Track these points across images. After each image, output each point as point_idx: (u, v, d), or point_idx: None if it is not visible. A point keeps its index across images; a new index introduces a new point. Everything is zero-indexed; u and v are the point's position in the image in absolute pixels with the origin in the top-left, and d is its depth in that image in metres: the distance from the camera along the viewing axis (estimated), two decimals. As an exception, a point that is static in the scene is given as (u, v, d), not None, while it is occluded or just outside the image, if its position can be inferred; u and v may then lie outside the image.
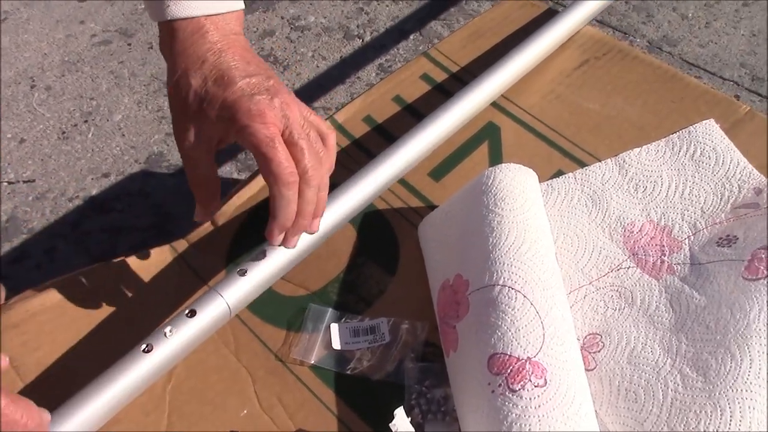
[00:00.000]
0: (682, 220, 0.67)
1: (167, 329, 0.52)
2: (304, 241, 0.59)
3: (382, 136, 0.76)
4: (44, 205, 1.31)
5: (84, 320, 0.62)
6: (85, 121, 1.46)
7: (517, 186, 0.62)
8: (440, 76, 0.82)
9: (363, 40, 1.65)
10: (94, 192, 1.32)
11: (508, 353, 0.51)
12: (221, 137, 0.55)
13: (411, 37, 1.62)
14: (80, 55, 1.61)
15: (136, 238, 1.18)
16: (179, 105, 0.55)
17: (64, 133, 1.44)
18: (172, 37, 0.55)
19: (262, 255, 0.57)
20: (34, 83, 1.54)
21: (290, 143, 0.52)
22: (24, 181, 1.35)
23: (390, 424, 0.51)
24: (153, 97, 1.52)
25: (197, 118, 0.54)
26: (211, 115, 0.53)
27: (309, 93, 1.54)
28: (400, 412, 0.52)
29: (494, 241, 0.58)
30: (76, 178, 1.35)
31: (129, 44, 1.64)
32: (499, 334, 0.53)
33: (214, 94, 0.53)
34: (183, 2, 0.54)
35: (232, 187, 0.73)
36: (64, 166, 1.38)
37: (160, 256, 0.67)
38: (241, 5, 0.58)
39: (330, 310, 0.63)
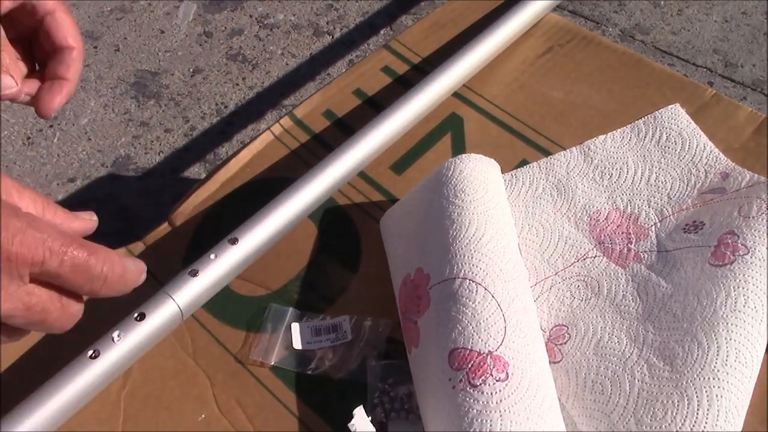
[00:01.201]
0: (649, 207, 0.66)
1: (115, 334, 0.50)
2: (259, 238, 0.57)
3: (343, 131, 0.74)
4: (8, 212, 1.28)
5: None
6: (51, 126, 1.43)
7: (477, 176, 0.60)
8: (402, 68, 0.80)
9: (333, 37, 1.63)
10: (60, 197, 1.29)
11: (469, 347, 0.50)
12: None
13: (381, 32, 1.61)
14: (45, 58, 1.58)
15: (102, 244, 1.15)
16: None
17: (29, 138, 1.41)
18: None
19: (214, 256, 0.55)
20: (-3, 88, 1.51)
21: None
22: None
23: (348, 424, 0.49)
24: (119, 100, 1.49)
25: None
26: None
27: (279, 91, 1.53)
28: (359, 412, 0.50)
29: (454, 233, 0.56)
30: (42, 184, 1.32)
31: (95, 47, 1.61)
32: (460, 328, 0.51)
33: None
34: None
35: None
36: (29, 172, 1.35)
37: (115, 260, 0.65)
38: None
39: (291, 309, 0.62)
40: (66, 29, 0.53)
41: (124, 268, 0.41)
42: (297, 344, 0.59)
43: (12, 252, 0.35)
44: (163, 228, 0.68)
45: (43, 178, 1.33)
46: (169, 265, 0.64)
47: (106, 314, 0.55)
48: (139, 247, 0.66)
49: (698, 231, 0.61)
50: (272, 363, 0.59)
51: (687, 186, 0.66)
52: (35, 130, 1.42)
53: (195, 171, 1.34)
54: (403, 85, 0.77)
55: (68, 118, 1.45)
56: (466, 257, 0.54)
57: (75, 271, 0.38)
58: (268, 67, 1.57)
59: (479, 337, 0.50)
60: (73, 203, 1.29)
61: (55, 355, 0.53)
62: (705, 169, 0.67)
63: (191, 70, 1.57)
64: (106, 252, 0.40)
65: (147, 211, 1.23)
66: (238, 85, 1.54)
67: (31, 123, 1.44)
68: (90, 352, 0.49)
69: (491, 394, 0.48)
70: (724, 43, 1.61)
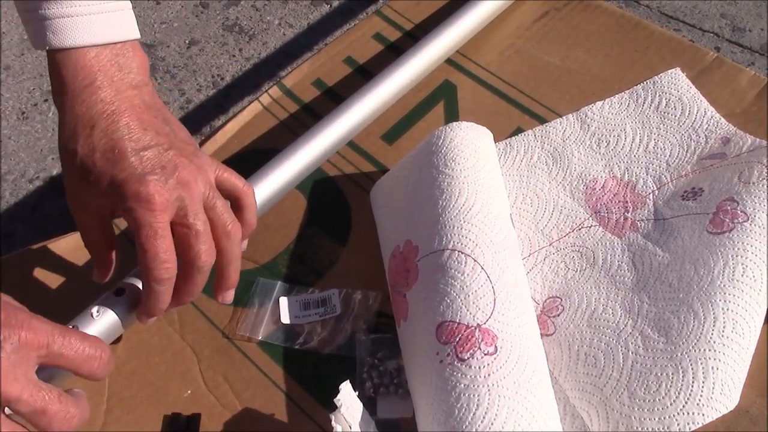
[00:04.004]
0: (647, 175, 0.64)
1: (94, 310, 0.49)
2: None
3: (333, 100, 0.72)
4: (4, 188, 1.27)
5: (20, 303, 0.59)
6: (45, 100, 1.42)
7: (468, 145, 0.58)
8: (393, 35, 0.78)
9: (331, 6, 1.60)
10: (54, 172, 1.28)
11: (457, 321, 0.49)
12: (113, 210, 0.49)
13: (380, 0, 1.58)
14: (39, 32, 1.55)
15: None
16: (68, 165, 0.48)
17: (23, 113, 1.39)
18: (62, 87, 0.48)
19: None
20: (-8, 63, 1.50)
21: (183, 226, 0.47)
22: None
23: (335, 399, 0.48)
24: (115, 73, 1.47)
25: (84, 186, 0.48)
26: (99, 190, 0.47)
27: (276, 62, 1.50)
28: (345, 386, 0.49)
29: (444, 203, 0.55)
30: (37, 159, 1.31)
31: (90, 19, 1.59)
32: (448, 301, 0.50)
33: (101, 170, 0.47)
34: (62, 28, 0.47)
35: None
36: (24, 146, 1.34)
37: (101, 234, 0.64)
38: (136, 34, 0.51)
39: (279, 283, 0.60)
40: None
41: (110, 352, 0.45)
42: (285, 319, 0.58)
43: (22, 336, 0.39)
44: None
45: (38, 153, 1.32)
46: (155, 240, 0.63)
47: (86, 291, 0.55)
48: (125, 222, 0.65)
49: (697, 198, 0.59)
50: (260, 338, 0.57)
51: (686, 152, 0.64)
52: (30, 105, 1.41)
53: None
54: (396, 52, 0.75)
55: (63, 92, 1.43)
56: (456, 228, 0.53)
57: (76, 353, 0.42)
58: (265, 38, 1.55)
59: (468, 310, 0.49)
60: (68, 178, 1.28)
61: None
62: (705, 135, 0.65)
63: (187, 41, 1.54)
64: (95, 338, 0.44)
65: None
66: (234, 56, 1.51)
67: (25, 97, 1.42)
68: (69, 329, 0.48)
69: (479, 368, 0.46)
70: (732, 6, 1.57)
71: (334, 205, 0.65)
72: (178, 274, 0.48)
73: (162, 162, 0.47)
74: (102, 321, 0.49)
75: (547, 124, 0.68)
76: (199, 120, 1.39)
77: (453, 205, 0.54)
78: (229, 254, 0.50)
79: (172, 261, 0.47)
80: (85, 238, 0.52)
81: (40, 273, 0.61)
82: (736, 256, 0.52)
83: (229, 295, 0.53)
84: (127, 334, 0.56)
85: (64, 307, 0.55)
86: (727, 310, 0.50)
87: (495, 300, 0.49)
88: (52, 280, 0.61)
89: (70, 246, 0.62)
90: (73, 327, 0.49)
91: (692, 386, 0.48)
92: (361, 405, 0.50)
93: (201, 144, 0.69)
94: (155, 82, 1.46)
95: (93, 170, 0.47)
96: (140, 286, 0.51)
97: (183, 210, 0.47)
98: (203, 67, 1.50)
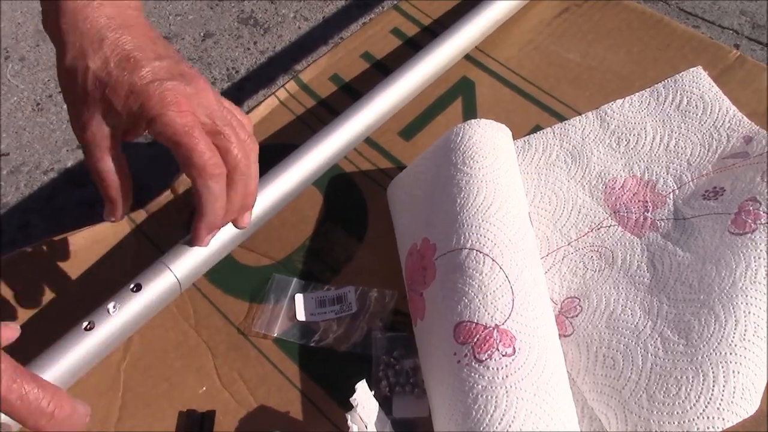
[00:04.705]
0: (667, 174, 0.63)
1: (110, 305, 0.49)
2: (261, 207, 0.56)
3: (350, 96, 0.71)
4: (18, 179, 1.27)
5: (34, 298, 0.59)
6: (60, 92, 1.42)
7: (487, 142, 0.58)
8: (411, 30, 0.77)
9: (346, -1, 1.59)
10: (69, 164, 1.29)
11: (475, 321, 0.48)
12: (128, 128, 0.47)
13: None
14: (55, 23, 1.56)
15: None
16: (76, 91, 0.46)
17: (38, 104, 1.40)
18: (58, 10, 0.47)
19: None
20: (8, 54, 1.50)
21: (213, 132, 0.47)
22: (-2, 155, 1.31)
23: (351, 399, 0.47)
24: (130, 65, 1.47)
25: (99, 106, 0.46)
26: (116, 104, 0.45)
27: (291, 55, 1.50)
28: (362, 386, 0.48)
29: (462, 201, 0.54)
30: (51, 151, 1.31)
31: (105, 11, 1.59)
32: (466, 301, 0.49)
33: (118, 79, 0.45)
34: None
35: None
36: (39, 138, 1.34)
37: (117, 228, 0.64)
38: None
39: (294, 279, 0.60)
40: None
41: (72, 409, 0.42)
42: (300, 316, 0.58)
43: None
44: (166, 196, 0.66)
45: (53, 145, 1.32)
46: (171, 234, 0.63)
47: (103, 285, 0.54)
48: (141, 215, 0.65)
49: (718, 197, 0.59)
50: (275, 335, 0.57)
51: (708, 151, 0.64)
52: (45, 96, 1.41)
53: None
54: (413, 47, 0.75)
55: (79, 83, 1.43)
56: (474, 227, 0.52)
57: (22, 401, 0.39)
58: (280, 31, 1.54)
59: (486, 311, 0.48)
60: (83, 169, 1.28)
61: (49, 328, 0.52)
62: (727, 134, 0.64)
63: (202, 34, 1.54)
64: (56, 390, 0.41)
65: (157, 178, 1.21)
66: (249, 49, 1.51)
67: (40, 89, 1.42)
68: (85, 324, 0.48)
69: (497, 369, 0.46)
70: (752, 3, 1.55)
71: (351, 201, 0.65)
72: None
73: (179, 70, 0.47)
74: (119, 317, 0.49)
75: (566, 121, 0.68)
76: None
77: (471, 204, 0.54)
78: (251, 169, 0.50)
79: (218, 157, 0.46)
80: (95, 169, 0.48)
81: (55, 267, 0.61)
82: (759, 257, 0.52)
83: (247, 218, 0.53)
84: (143, 330, 0.56)
85: (79, 302, 0.55)
86: (749, 312, 0.49)
87: (513, 300, 0.49)
88: (68, 274, 0.61)
89: (86, 240, 0.62)
90: (89, 323, 0.48)
91: (713, 390, 0.47)
92: (377, 405, 0.49)
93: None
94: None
95: (109, 81, 0.45)
96: (154, 280, 0.51)
97: (209, 116, 0.47)
98: (218, 60, 1.49)
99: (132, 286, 0.50)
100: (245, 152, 0.48)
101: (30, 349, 0.51)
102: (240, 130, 0.49)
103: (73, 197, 1.22)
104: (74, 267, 0.61)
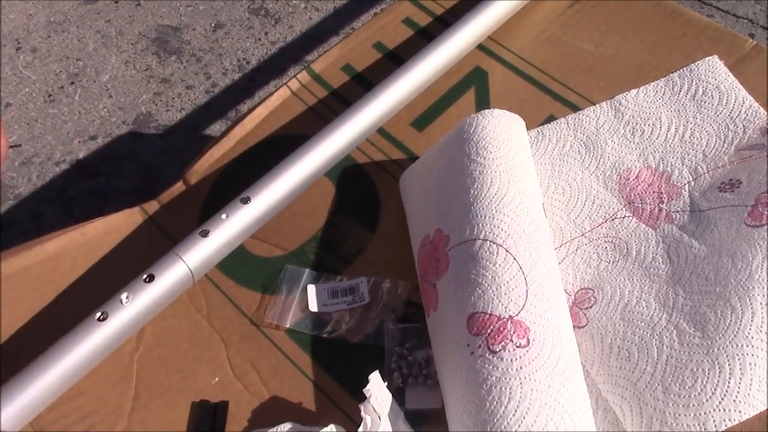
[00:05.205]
0: (682, 165, 0.62)
1: (123, 296, 0.49)
2: (272, 198, 0.56)
3: (362, 86, 0.71)
4: (30, 170, 1.28)
5: (47, 288, 0.59)
6: (72, 83, 1.42)
7: (501, 133, 0.57)
8: (424, 20, 0.77)
9: (357, -11, 1.58)
10: (81, 155, 1.29)
11: (489, 312, 0.48)
12: None
13: (407, -16, 1.56)
14: (66, 14, 1.56)
15: (123, 203, 1.15)
16: None
17: (50, 95, 1.40)
18: None
19: (225, 215, 0.53)
20: (19, 45, 1.50)
21: None
22: (10, 146, 1.31)
23: (364, 390, 0.47)
24: (141, 56, 1.47)
25: None
26: None
27: (302, 46, 1.49)
28: (375, 377, 0.48)
29: (475, 192, 0.54)
30: (63, 142, 1.31)
31: (116, 2, 1.58)
32: (480, 291, 0.49)
33: None
34: None
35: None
36: (51, 129, 1.34)
37: (129, 219, 0.64)
38: None
39: (307, 270, 0.60)
40: None
41: None
42: (313, 306, 0.58)
43: None
44: (178, 187, 0.66)
45: (65, 136, 1.32)
46: (183, 225, 0.63)
47: (115, 276, 0.54)
48: (153, 206, 0.65)
49: (734, 190, 0.58)
50: (287, 326, 0.57)
51: (724, 142, 0.63)
52: (56, 88, 1.41)
53: (216, 128, 1.32)
54: (426, 37, 0.74)
55: (89, 75, 1.43)
56: (487, 217, 0.52)
57: None
58: (291, 22, 1.54)
59: (499, 301, 0.48)
60: (95, 160, 1.28)
61: (63, 319, 0.52)
62: (743, 125, 0.63)
63: (213, 24, 1.54)
64: None
65: (169, 168, 1.22)
66: (260, 40, 1.51)
67: (52, 80, 1.43)
68: (98, 315, 0.48)
69: (511, 360, 0.46)
70: (766, -8, 1.53)
71: (363, 192, 0.65)
72: None
73: None
74: (132, 307, 0.49)
75: (580, 112, 0.67)
76: (225, 104, 1.39)
77: (485, 195, 0.53)
78: None
79: None
80: None
81: (68, 258, 0.61)
82: (776, 250, 0.51)
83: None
84: (155, 320, 0.56)
85: (93, 293, 0.55)
86: (766, 304, 0.49)
87: (527, 291, 0.49)
88: (81, 265, 0.61)
89: (99, 230, 0.62)
90: (102, 314, 0.49)
91: (729, 382, 0.47)
92: (390, 396, 0.49)
93: (229, 129, 0.69)
94: (181, 65, 1.45)
95: None
96: (167, 271, 0.51)
97: None
98: (229, 50, 1.49)
99: (145, 276, 0.50)
100: None
101: (44, 339, 0.51)
102: None
103: (84, 188, 1.22)
104: (87, 258, 0.61)
